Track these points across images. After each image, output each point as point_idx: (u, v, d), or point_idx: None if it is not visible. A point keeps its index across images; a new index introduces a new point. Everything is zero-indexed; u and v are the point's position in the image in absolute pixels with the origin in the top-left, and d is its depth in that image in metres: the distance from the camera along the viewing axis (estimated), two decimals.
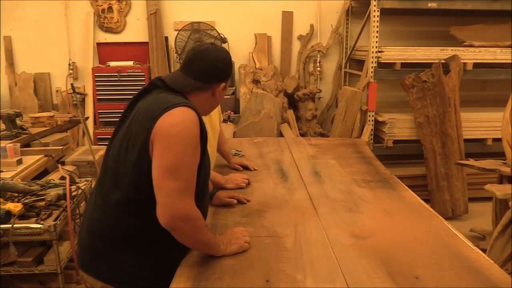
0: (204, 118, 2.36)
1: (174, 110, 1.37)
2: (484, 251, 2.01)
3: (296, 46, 5.16)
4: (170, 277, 1.43)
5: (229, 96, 4.77)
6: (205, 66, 1.51)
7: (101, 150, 3.62)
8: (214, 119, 2.51)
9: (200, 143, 1.42)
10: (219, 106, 2.61)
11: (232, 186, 2.23)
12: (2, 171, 2.86)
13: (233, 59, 4.92)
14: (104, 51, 4.97)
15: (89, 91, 4.89)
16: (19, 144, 3.19)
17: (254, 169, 2.55)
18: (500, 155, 3.10)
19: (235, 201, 2.04)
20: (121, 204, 1.44)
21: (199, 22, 4.84)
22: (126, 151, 1.43)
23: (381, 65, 4.17)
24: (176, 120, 1.35)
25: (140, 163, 1.39)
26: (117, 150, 1.47)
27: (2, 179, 2.52)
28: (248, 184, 2.29)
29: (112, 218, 1.45)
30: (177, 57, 4.75)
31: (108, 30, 5.00)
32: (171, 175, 1.33)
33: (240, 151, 2.87)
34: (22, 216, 2.34)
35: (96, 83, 4.74)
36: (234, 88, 4.84)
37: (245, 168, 2.56)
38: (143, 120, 1.40)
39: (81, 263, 1.55)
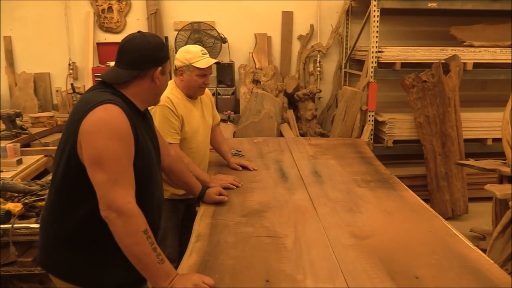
0: (195, 116, 2.34)
1: (96, 108, 1.39)
2: (484, 251, 2.01)
3: (296, 46, 5.16)
4: (123, 272, 1.43)
5: (229, 96, 4.77)
6: (133, 54, 1.51)
7: None
8: (207, 117, 2.47)
9: (131, 136, 1.43)
10: (213, 105, 2.59)
11: (215, 186, 2.21)
12: (2, 171, 2.86)
13: (233, 59, 4.99)
14: (104, 51, 4.96)
15: None
16: (19, 144, 3.19)
17: (254, 169, 2.54)
18: (500, 155, 3.09)
19: (226, 198, 2.07)
20: (59, 205, 1.48)
21: (199, 22, 4.84)
22: (60, 153, 1.47)
23: (381, 65, 4.17)
24: (97, 118, 1.38)
25: (70, 164, 1.42)
26: (56, 153, 1.52)
27: (2, 179, 2.52)
28: (237, 187, 2.26)
29: (54, 218, 1.49)
30: None
31: (108, 30, 5.00)
32: (98, 167, 1.35)
33: (240, 151, 2.87)
34: (22, 216, 2.34)
35: None
36: (234, 88, 4.84)
37: (244, 168, 2.55)
38: (71, 122, 1.44)
39: (38, 260, 1.59)
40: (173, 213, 2.40)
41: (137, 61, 1.51)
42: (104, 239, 1.39)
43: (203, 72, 2.25)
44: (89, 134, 1.37)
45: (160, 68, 1.55)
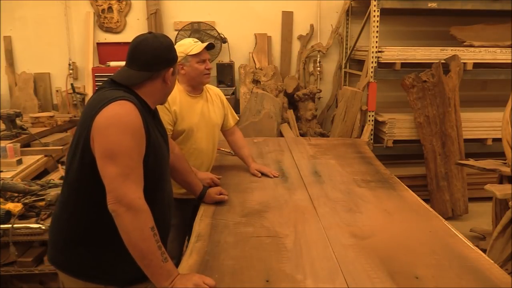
0: (196, 112, 2.32)
1: (110, 104, 1.40)
2: (484, 251, 2.01)
3: (296, 46, 5.16)
4: (136, 269, 1.40)
5: (229, 96, 4.76)
6: (147, 55, 1.52)
7: None
8: (213, 115, 2.42)
9: (143, 133, 1.44)
10: (225, 105, 2.55)
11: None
12: (2, 171, 2.86)
13: (233, 59, 4.99)
14: (104, 51, 4.96)
15: (89, 91, 4.89)
16: (19, 144, 3.19)
17: (275, 176, 2.46)
18: (500, 155, 3.09)
19: (226, 197, 2.08)
20: (74, 202, 1.49)
21: (199, 22, 4.84)
22: (74, 150, 1.48)
23: (381, 65, 4.17)
24: (111, 113, 1.39)
25: (83, 160, 1.43)
26: (69, 150, 1.53)
27: (2, 179, 2.52)
28: (216, 185, 2.21)
29: (68, 215, 1.51)
30: None
31: (108, 30, 5.00)
32: (110, 161, 1.36)
33: None
34: (22, 216, 2.34)
35: (96, 83, 4.73)
36: (234, 88, 4.83)
37: (264, 175, 2.47)
38: (85, 118, 1.46)
39: (49, 257, 1.60)
40: (175, 212, 2.38)
41: (151, 63, 1.52)
42: (119, 235, 1.39)
43: (202, 58, 2.27)
44: (103, 128, 1.38)
45: (171, 69, 1.57)
